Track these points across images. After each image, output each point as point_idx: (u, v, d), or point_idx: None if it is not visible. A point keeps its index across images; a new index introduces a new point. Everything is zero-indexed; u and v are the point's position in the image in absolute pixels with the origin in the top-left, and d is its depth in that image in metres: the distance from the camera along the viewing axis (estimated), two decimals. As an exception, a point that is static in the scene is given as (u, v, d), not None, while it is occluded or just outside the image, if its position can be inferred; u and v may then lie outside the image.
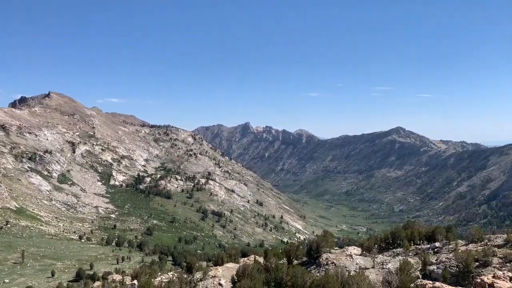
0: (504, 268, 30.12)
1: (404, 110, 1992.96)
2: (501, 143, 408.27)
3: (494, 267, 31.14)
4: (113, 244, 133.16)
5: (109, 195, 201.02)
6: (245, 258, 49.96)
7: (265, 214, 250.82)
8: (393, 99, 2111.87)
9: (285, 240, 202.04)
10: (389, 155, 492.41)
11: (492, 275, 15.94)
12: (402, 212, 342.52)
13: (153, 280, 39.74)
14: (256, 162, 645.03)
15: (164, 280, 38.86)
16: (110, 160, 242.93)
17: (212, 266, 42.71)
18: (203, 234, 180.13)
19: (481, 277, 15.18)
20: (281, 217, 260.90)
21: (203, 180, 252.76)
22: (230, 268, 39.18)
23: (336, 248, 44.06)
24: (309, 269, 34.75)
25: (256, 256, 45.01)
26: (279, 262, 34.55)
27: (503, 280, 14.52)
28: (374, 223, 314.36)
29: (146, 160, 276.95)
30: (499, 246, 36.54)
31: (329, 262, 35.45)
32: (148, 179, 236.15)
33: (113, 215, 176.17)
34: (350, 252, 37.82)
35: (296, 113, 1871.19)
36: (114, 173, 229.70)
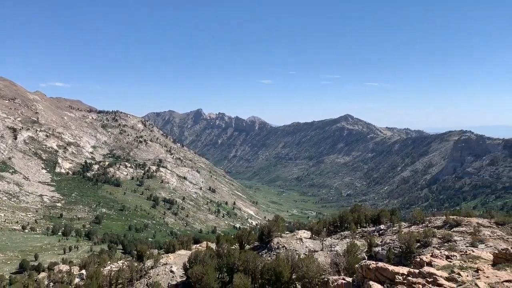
0: (442, 248, 32.21)
1: (353, 98, 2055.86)
2: (442, 130, 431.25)
3: (433, 247, 33.20)
4: (60, 233, 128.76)
5: (54, 183, 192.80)
6: (198, 245, 50.04)
7: (218, 201, 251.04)
8: (342, 87, 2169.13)
9: (237, 226, 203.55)
10: (338, 141, 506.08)
11: (431, 254, 17.02)
12: (350, 196, 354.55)
13: (102, 269, 38.94)
14: (209, 149, 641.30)
15: (114, 269, 38.18)
16: (55, 147, 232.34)
17: (163, 254, 42.48)
18: (154, 222, 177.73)
19: (420, 257, 16.17)
20: (234, 203, 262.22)
21: (154, 167, 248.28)
22: (182, 255, 39.15)
23: (287, 232, 45.13)
24: (260, 253, 35.44)
25: (209, 243, 45.24)
26: (231, 247, 34.95)
27: (440, 259, 15.56)
28: (323, 207, 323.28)
29: (94, 147, 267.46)
30: (438, 228, 38.96)
31: (280, 246, 36.32)
32: (96, 167, 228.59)
33: (59, 204, 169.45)
34: (300, 236, 38.90)
35: (249, 100, 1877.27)
36: (59, 160, 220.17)
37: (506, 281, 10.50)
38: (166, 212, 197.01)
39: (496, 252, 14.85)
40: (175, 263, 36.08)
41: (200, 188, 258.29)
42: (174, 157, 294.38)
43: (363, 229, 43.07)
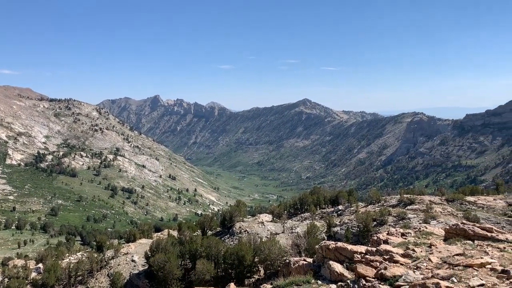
0: (397, 226, 33.59)
1: (311, 82, 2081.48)
2: (396, 112, 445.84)
3: (389, 225, 34.59)
4: (13, 227, 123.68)
5: (5, 176, 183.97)
6: (159, 233, 49.58)
7: (179, 188, 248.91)
8: (300, 72, 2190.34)
9: (199, 212, 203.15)
10: (297, 126, 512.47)
11: (387, 232, 17.68)
12: (309, 179, 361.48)
13: (60, 262, 37.84)
14: (168, 136, 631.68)
15: (73, 261, 37.20)
16: (4, 138, 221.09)
17: (124, 244, 41.77)
18: (113, 211, 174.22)
19: (377, 235, 16.75)
20: (195, 190, 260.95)
21: (111, 156, 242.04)
22: (143, 244, 38.69)
23: (249, 216, 45.52)
24: (223, 238, 35.61)
25: (170, 230, 44.91)
26: (193, 234, 34.87)
27: (396, 236, 16.20)
28: (284, 191, 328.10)
29: (47, 136, 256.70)
30: (393, 206, 40.56)
31: (242, 230, 36.63)
32: (49, 157, 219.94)
33: (11, 197, 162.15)
34: (262, 219, 39.37)
35: (208, 85, 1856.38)
36: (10, 151, 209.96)
37: (457, 254, 11.13)
38: (125, 201, 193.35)
39: (447, 227, 15.64)
40: (136, 252, 35.61)
41: (160, 176, 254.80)
42: (132, 145, 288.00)
43: (322, 210, 44.14)
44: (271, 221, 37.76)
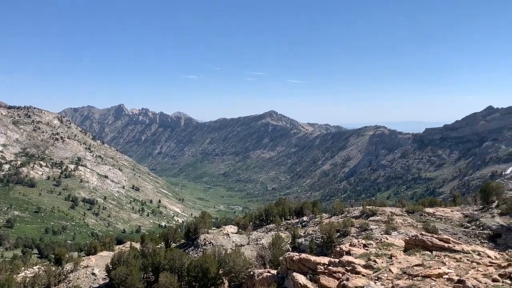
0: (360, 237, 34.22)
1: (277, 94, 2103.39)
2: (359, 125, 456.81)
3: (352, 236, 35.18)
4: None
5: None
6: (121, 246, 48.28)
7: (142, 199, 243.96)
8: (267, 84, 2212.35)
9: (163, 224, 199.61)
10: (264, 137, 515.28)
11: (349, 243, 18.01)
12: (275, 190, 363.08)
13: (15, 276, 36.10)
14: (132, 145, 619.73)
15: (29, 275, 35.58)
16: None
17: (84, 256, 40.38)
18: (73, 223, 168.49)
19: (340, 246, 17.04)
20: (159, 201, 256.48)
21: (72, 166, 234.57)
22: (104, 257, 37.54)
23: (214, 228, 45.16)
24: (187, 250, 35.11)
25: (133, 243, 43.83)
26: (157, 246, 34.20)
27: (358, 247, 16.53)
28: (249, 202, 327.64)
29: (4, 145, 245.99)
30: (356, 217, 41.32)
31: (207, 242, 36.25)
32: (6, 167, 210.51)
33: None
34: (227, 231, 39.14)
35: (175, 95, 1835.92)
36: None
37: (416, 265, 11.49)
38: (86, 212, 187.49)
39: (407, 238, 16.11)
40: (97, 265, 34.54)
41: (123, 187, 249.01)
42: (94, 155, 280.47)
43: (287, 221, 44.40)
44: (236, 233, 37.62)
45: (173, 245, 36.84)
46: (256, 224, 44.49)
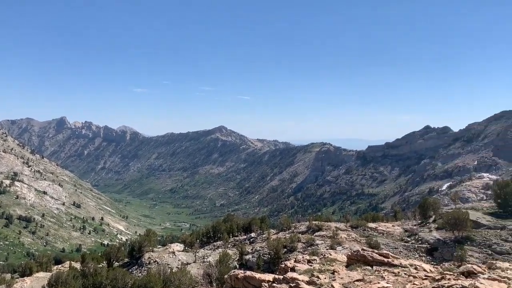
0: (306, 252, 34.79)
1: (226, 110, 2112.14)
2: (306, 142, 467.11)
3: (298, 251, 35.69)
4: None
5: None
6: (60, 266, 45.78)
7: (84, 217, 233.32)
8: (216, 99, 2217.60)
9: (105, 242, 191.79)
10: (213, 152, 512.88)
11: (294, 259, 18.25)
12: (223, 206, 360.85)
13: None
14: (74, 160, 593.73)
15: (-47, 302, 32.78)
16: None
17: (18, 278, 37.87)
18: (7, 242, 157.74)
19: (285, 263, 17.21)
20: (102, 218, 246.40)
21: (7, 182, 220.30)
22: (40, 278, 35.42)
23: (159, 246, 44.07)
24: (131, 270, 33.94)
25: (72, 262, 41.76)
26: (98, 266, 32.78)
27: (302, 263, 16.78)
28: (197, 219, 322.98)
29: None
30: (303, 233, 42.02)
31: (152, 261, 35.26)
32: None
33: None
34: (173, 249, 38.33)
35: (121, 108, 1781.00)
36: None
37: (357, 280, 11.86)
38: (22, 231, 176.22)
39: (350, 254, 16.60)
40: (32, 287, 32.50)
41: (63, 204, 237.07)
42: (33, 170, 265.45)
43: (235, 238, 44.27)
44: (182, 251, 36.95)
45: (116, 264, 35.50)
46: (203, 241, 43.95)
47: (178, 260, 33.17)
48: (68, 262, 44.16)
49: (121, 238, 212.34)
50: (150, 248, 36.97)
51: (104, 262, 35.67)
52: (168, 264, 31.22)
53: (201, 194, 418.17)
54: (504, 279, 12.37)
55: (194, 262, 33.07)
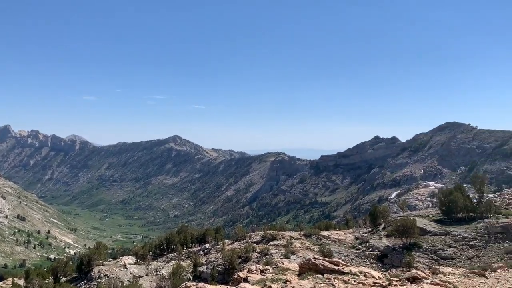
0: (260, 262, 34.92)
1: (181, 119, 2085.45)
2: (261, 151, 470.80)
3: (253, 261, 35.76)
4: None
5: None
6: (1, 283, 43.16)
7: (28, 230, 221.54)
8: (171, 108, 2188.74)
9: (52, 257, 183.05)
10: (166, 162, 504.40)
11: (247, 269, 18.32)
12: (177, 218, 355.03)
13: None
14: (19, 171, 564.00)
15: None
16: None
17: (-47, 299, 35.31)
18: None
19: (238, 273, 17.23)
20: (48, 231, 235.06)
21: None
22: (-21, 298, 33.23)
23: (110, 259, 42.69)
24: (79, 285, 32.63)
25: (15, 279, 39.53)
26: (44, 282, 31.26)
27: (255, 273, 16.88)
28: (150, 231, 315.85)
29: None
30: (257, 242, 42.19)
31: (102, 274, 34.05)
32: None
33: None
34: (124, 262, 37.24)
35: (70, 117, 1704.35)
36: None
37: None
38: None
39: (301, 262, 16.90)
40: (-32, 308, 30.43)
41: (6, 217, 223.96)
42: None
43: (189, 249, 43.71)
44: (134, 263, 36.02)
45: (64, 279, 34.01)
46: (156, 253, 43.05)
47: (130, 273, 32.29)
48: (10, 279, 41.76)
49: (69, 252, 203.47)
50: (100, 261, 35.77)
51: (51, 277, 34.08)
52: (119, 278, 30.32)
53: (154, 205, 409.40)
54: (446, 283, 13.08)
55: (146, 275, 32.34)
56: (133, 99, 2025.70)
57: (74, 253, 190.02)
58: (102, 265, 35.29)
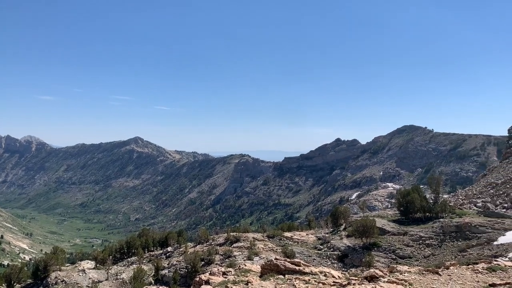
0: (223, 264, 34.91)
1: (143, 120, 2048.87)
2: (225, 153, 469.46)
3: (216, 264, 35.69)
4: None
5: None
6: None
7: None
8: (133, 110, 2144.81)
9: (5, 263, 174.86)
10: (127, 164, 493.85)
11: (209, 272, 18.32)
12: (138, 221, 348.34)
13: None
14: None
15: None
16: None
17: None
18: None
19: (199, 276, 17.21)
20: (1, 237, 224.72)
21: None
22: None
23: (68, 264, 41.40)
24: (34, 292, 31.41)
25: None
26: (-4, 290, 29.93)
27: (217, 276, 16.92)
28: (110, 234, 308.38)
29: None
30: (221, 245, 42.13)
31: (59, 280, 32.99)
32: None
33: None
34: (83, 266, 36.23)
35: (26, 116, 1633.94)
36: None
37: (270, 288, 12.28)
38: None
39: (263, 264, 17.09)
40: None
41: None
42: None
43: (151, 253, 43.10)
44: (93, 268, 35.11)
45: (18, 286, 32.69)
46: (116, 257, 42.18)
47: (89, 279, 31.46)
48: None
49: (24, 258, 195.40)
50: (58, 266, 34.63)
51: (4, 284, 32.67)
52: (77, 283, 29.49)
53: (115, 208, 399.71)
54: (402, 281, 13.62)
55: (106, 279, 31.61)
56: (94, 100, 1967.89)
57: (30, 258, 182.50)
58: (60, 271, 34.21)
